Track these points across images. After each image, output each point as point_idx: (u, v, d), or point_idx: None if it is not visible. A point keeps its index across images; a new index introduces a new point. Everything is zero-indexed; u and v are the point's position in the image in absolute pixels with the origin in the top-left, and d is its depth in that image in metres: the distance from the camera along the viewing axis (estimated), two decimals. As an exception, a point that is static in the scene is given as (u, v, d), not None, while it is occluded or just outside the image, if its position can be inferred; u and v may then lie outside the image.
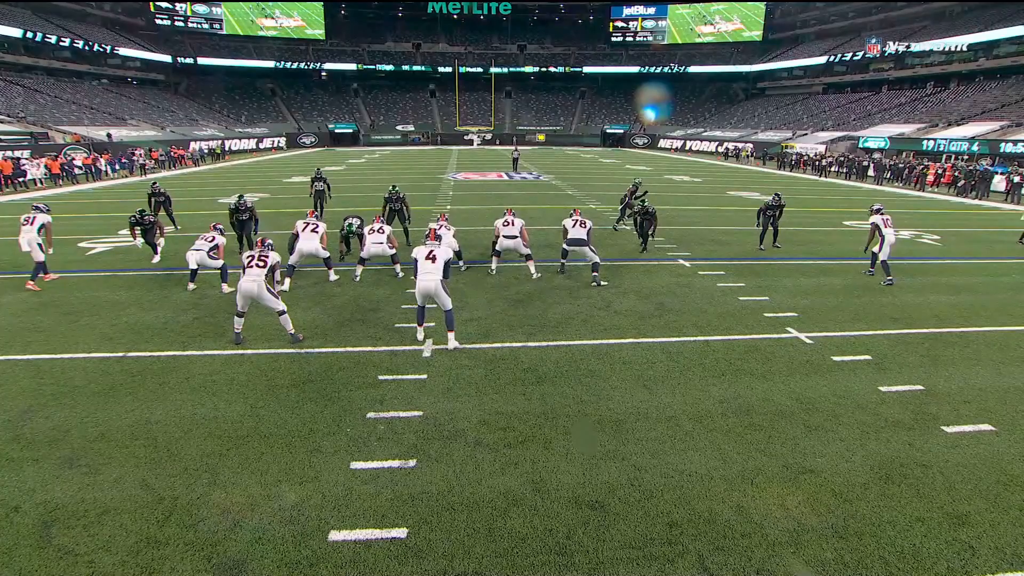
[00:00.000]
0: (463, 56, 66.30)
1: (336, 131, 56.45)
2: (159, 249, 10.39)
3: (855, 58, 52.76)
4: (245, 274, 6.15)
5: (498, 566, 3.20)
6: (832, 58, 55.73)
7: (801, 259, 11.13)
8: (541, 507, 3.71)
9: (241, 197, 10.79)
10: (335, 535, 3.42)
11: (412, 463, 4.18)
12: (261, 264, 6.20)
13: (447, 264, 6.38)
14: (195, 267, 8.52)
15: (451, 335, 6.32)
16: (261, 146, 48.31)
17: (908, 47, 47.73)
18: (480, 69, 65.25)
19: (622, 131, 62.55)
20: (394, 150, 50.15)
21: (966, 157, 31.98)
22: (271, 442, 4.44)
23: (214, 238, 8.69)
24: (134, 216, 10.20)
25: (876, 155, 34.96)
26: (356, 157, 40.04)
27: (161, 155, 31.89)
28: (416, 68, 65.29)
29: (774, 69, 63.50)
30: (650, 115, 60.45)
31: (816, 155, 37.10)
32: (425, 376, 5.61)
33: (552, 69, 68.18)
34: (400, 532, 3.44)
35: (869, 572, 3.27)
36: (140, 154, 29.28)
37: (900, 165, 28.55)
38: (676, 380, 5.67)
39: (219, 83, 58.53)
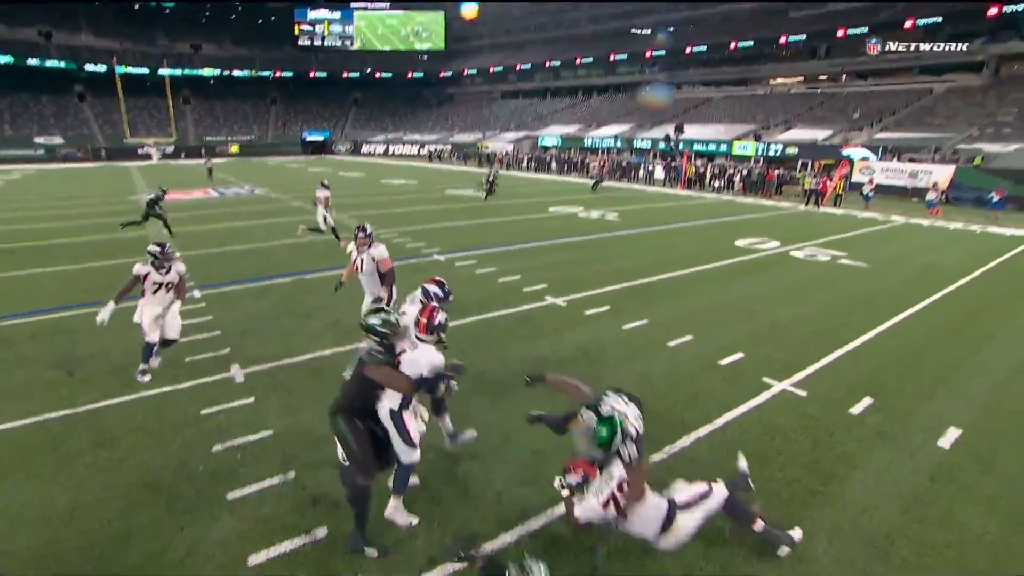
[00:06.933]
0: (121, 53, 55.70)
1: (-69, 146, 41.86)
2: None
3: (525, 68, 62.66)
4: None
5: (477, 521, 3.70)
6: (501, 68, 64.83)
7: (526, 243, 13.37)
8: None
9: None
10: (255, 558, 3.41)
11: (292, 474, 4.23)
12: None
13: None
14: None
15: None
16: None
17: (561, 63, 58.63)
18: (147, 70, 56.04)
19: (323, 137, 61.42)
20: (39, 168, 39.25)
21: (615, 151, 41.18)
22: (126, 510, 3.91)
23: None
24: None
25: (553, 151, 42.31)
26: (-19, 180, 30.51)
27: None
28: (52, 64, 52.50)
29: (460, 76, 70.31)
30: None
31: (506, 154, 43.03)
32: (252, 399, 5.43)
33: (236, 73, 62.71)
34: (322, 530, 3.61)
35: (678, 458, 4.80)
36: None
37: (573, 159, 35.50)
38: (483, 350, 6.69)
39: None
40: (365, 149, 59.75)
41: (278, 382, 5.83)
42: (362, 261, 6.13)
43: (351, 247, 6.24)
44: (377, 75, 69.09)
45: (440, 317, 3.90)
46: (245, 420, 5.06)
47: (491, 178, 22.21)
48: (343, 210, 18.41)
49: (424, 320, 3.87)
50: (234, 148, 55.54)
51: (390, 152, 57.52)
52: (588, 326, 7.67)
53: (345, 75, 67.79)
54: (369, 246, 6.13)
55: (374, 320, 3.67)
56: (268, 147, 57.75)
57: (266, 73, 64.53)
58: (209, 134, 57.19)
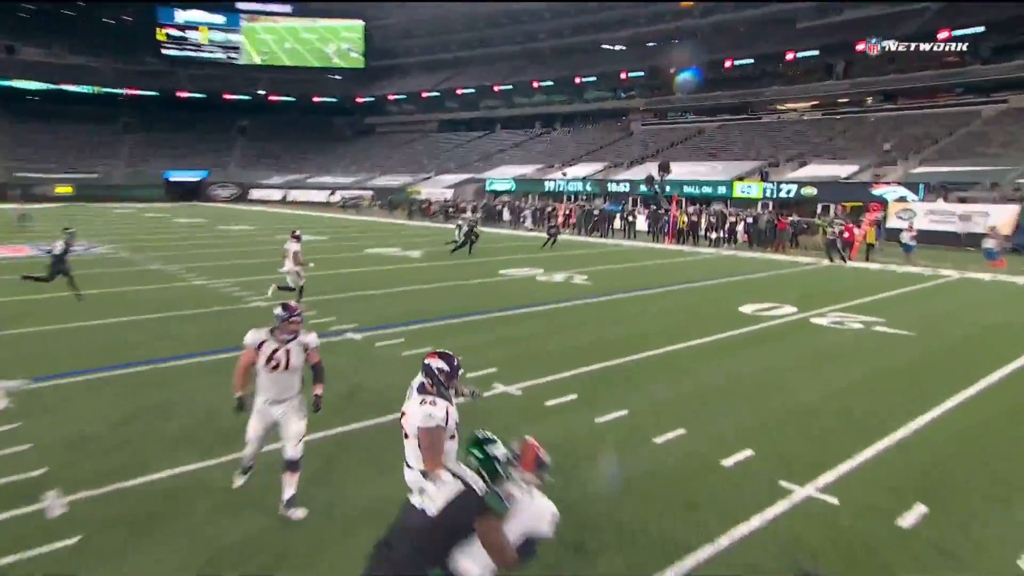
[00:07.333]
0: None
1: None
2: None
3: (468, 92, 65.16)
4: None
5: None
6: (437, 93, 67.39)
7: (470, 315, 13.59)
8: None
9: None
10: None
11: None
12: None
13: None
14: None
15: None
16: None
17: (514, 87, 61.68)
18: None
19: (197, 178, 61.54)
20: None
21: (584, 196, 42.78)
22: None
23: None
24: None
25: (505, 198, 43.67)
26: None
27: None
28: None
29: (383, 102, 72.52)
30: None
31: (445, 201, 44.12)
32: (77, 539, 5.18)
33: (71, 88, 62.80)
34: None
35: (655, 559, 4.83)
36: None
37: (534, 208, 36.79)
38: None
39: None
40: (255, 194, 60.17)
41: (117, 514, 5.58)
42: (288, 353, 5.63)
43: (259, 335, 5.65)
44: (273, 98, 70.55)
45: (544, 452, 3.81)
46: (62, 572, 4.81)
47: (469, 229, 23.83)
48: (220, 275, 18.31)
49: (534, 455, 3.75)
50: (64, 189, 54.70)
51: (289, 199, 58.04)
52: (550, 420, 7.74)
53: (229, 97, 68.96)
54: (296, 334, 5.69)
55: (497, 451, 3.54)
56: (117, 188, 57.31)
57: (116, 90, 64.85)
58: (25, 168, 56.18)
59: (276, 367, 5.55)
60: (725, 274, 20.16)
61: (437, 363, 4.60)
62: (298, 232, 15.05)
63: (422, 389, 4.51)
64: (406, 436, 4.40)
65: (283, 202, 57.60)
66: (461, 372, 4.73)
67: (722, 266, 22.25)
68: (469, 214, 32.01)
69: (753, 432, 7.41)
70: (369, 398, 8.51)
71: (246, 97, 69.54)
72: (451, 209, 42.37)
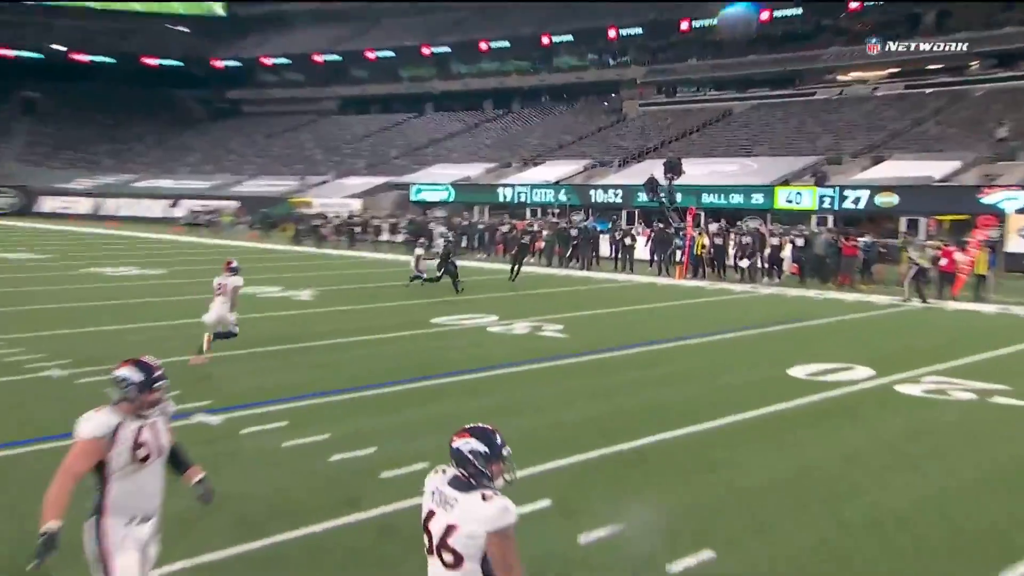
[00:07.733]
0: None
1: None
2: None
3: (384, 56, 65.37)
4: None
5: None
6: (337, 56, 67.56)
7: (387, 385, 13.54)
8: None
9: None
10: None
11: None
12: None
13: None
14: None
15: None
16: None
17: (452, 49, 62.35)
18: None
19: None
20: None
21: (556, 211, 43.02)
22: None
23: None
24: None
25: (440, 212, 43.88)
26: None
27: None
28: None
29: (255, 67, 72.25)
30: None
31: (350, 217, 44.20)
32: None
33: None
34: None
35: None
36: None
37: (480, 226, 36.93)
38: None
39: None
40: (48, 204, 59.23)
41: None
42: (157, 432, 5.20)
43: (109, 417, 4.98)
44: (77, 58, 69.43)
45: None
46: None
47: (446, 254, 24.51)
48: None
49: None
50: None
51: (104, 212, 57.23)
52: (519, 535, 7.66)
53: (5, 53, 67.66)
54: (159, 404, 5.27)
55: None
56: None
57: None
58: None
59: (147, 457, 5.05)
60: (766, 322, 20.44)
61: (471, 444, 4.41)
62: (235, 263, 15.46)
63: (460, 484, 4.33)
64: (455, 564, 3.97)
65: (95, 217, 56.61)
66: (508, 451, 4.51)
67: (761, 310, 22.60)
68: (454, 235, 31.81)
69: (816, 553, 7.43)
70: (230, 515, 8.30)
71: (34, 55, 67.89)
72: (358, 230, 42.17)
